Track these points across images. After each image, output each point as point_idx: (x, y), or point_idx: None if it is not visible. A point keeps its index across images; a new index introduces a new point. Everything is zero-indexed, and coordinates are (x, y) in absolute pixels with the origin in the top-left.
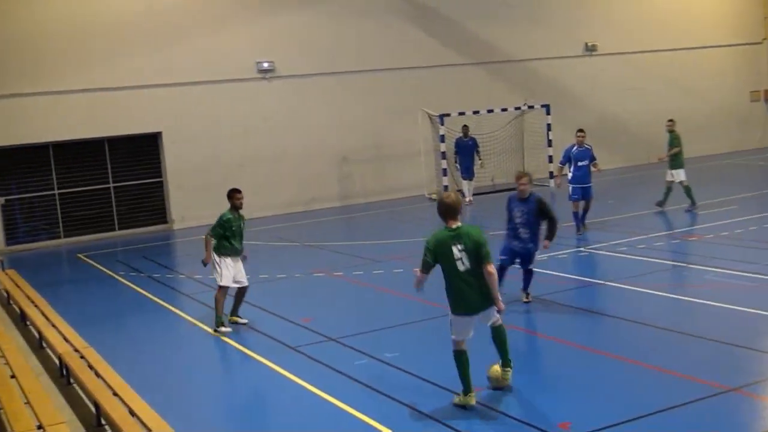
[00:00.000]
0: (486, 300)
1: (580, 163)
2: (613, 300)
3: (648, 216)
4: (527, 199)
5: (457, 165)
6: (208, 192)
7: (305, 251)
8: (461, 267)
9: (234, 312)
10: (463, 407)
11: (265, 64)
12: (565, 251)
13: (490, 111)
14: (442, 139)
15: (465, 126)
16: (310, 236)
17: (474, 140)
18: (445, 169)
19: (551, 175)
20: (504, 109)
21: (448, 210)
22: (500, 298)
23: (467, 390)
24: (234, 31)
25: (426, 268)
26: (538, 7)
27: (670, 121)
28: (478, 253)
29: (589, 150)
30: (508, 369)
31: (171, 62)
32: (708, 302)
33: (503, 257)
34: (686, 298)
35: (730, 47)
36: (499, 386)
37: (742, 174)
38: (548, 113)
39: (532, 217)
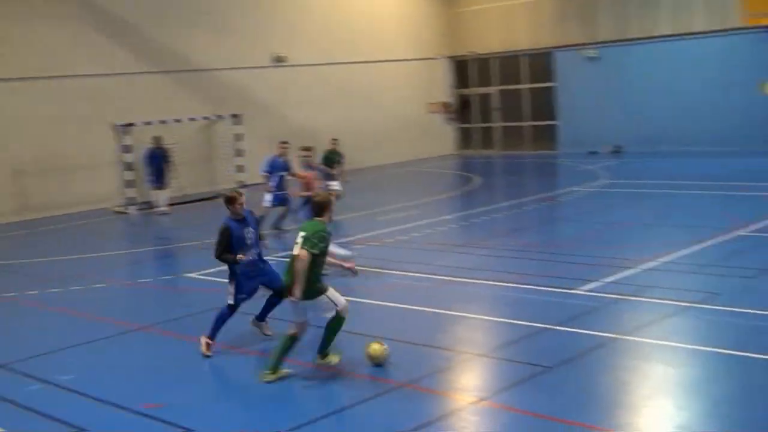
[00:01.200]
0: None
1: (278, 173)
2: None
3: (337, 222)
4: (246, 218)
5: (148, 175)
6: None
7: None
8: (294, 250)
9: None
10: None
11: None
12: None
13: (177, 120)
14: (127, 149)
15: (156, 136)
16: None
17: (164, 149)
18: (131, 181)
19: (244, 185)
20: (192, 119)
21: (312, 207)
22: (298, 289)
23: (274, 369)
24: None
25: None
26: (225, 16)
27: (335, 139)
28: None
29: (288, 161)
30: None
31: None
32: (388, 303)
33: (243, 296)
34: (367, 301)
35: (411, 61)
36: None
37: (422, 181)
38: (238, 123)
39: (257, 235)
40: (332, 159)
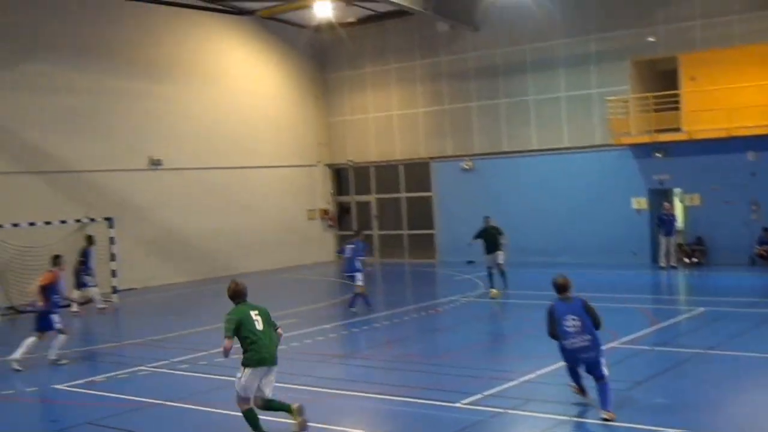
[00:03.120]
0: None
1: None
2: (173, 420)
3: (209, 332)
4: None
5: (85, 274)
6: None
7: None
8: (261, 326)
9: None
10: None
11: None
12: (124, 371)
13: (47, 223)
14: None
15: (89, 235)
16: None
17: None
18: None
19: (115, 290)
20: (63, 221)
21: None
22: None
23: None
24: None
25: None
26: (101, 118)
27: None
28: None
29: None
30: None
31: None
32: (264, 417)
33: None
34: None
35: (290, 168)
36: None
37: (301, 288)
38: (111, 226)
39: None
40: (493, 234)
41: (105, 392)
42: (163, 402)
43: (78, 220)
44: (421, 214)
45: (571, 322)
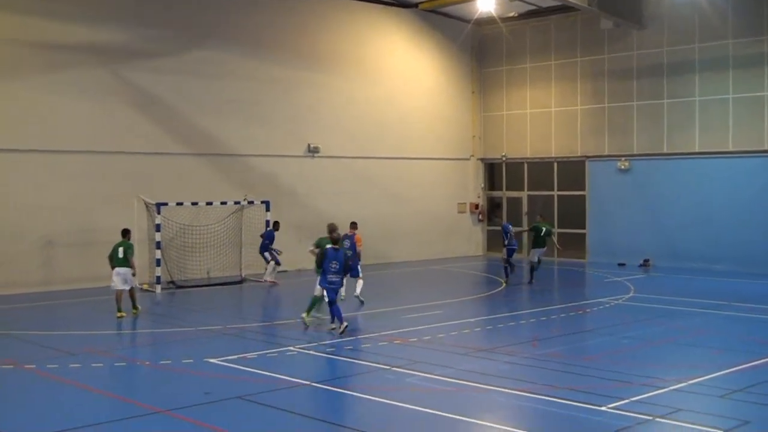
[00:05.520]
0: None
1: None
2: (317, 402)
3: (356, 317)
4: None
5: (269, 250)
6: None
7: None
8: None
9: (133, 305)
10: None
11: None
12: (274, 350)
13: (209, 203)
14: (158, 227)
15: (275, 221)
16: (2, 323)
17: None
18: (159, 260)
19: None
20: (224, 203)
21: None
22: None
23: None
24: None
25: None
26: (262, 105)
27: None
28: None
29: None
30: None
31: None
32: (408, 406)
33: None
34: (387, 401)
35: (443, 160)
36: None
37: (447, 280)
38: (267, 209)
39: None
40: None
41: (255, 368)
42: (309, 383)
43: (237, 202)
44: (574, 212)
45: (334, 264)
